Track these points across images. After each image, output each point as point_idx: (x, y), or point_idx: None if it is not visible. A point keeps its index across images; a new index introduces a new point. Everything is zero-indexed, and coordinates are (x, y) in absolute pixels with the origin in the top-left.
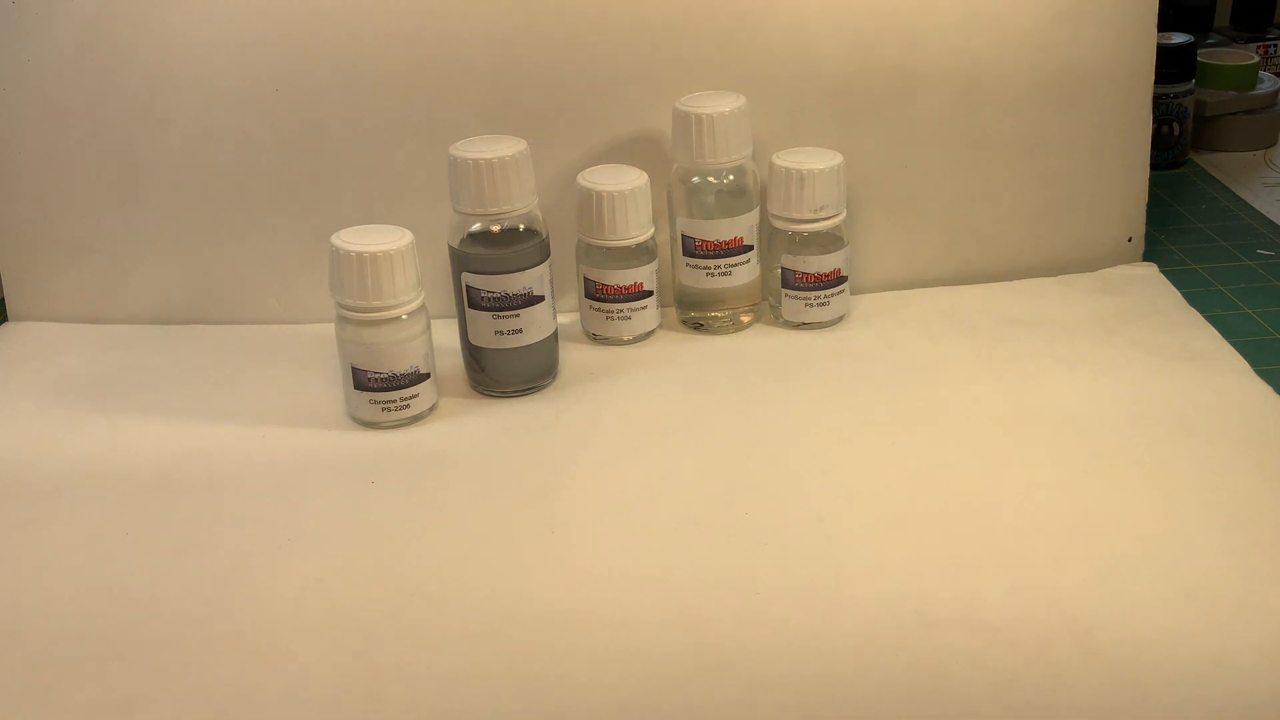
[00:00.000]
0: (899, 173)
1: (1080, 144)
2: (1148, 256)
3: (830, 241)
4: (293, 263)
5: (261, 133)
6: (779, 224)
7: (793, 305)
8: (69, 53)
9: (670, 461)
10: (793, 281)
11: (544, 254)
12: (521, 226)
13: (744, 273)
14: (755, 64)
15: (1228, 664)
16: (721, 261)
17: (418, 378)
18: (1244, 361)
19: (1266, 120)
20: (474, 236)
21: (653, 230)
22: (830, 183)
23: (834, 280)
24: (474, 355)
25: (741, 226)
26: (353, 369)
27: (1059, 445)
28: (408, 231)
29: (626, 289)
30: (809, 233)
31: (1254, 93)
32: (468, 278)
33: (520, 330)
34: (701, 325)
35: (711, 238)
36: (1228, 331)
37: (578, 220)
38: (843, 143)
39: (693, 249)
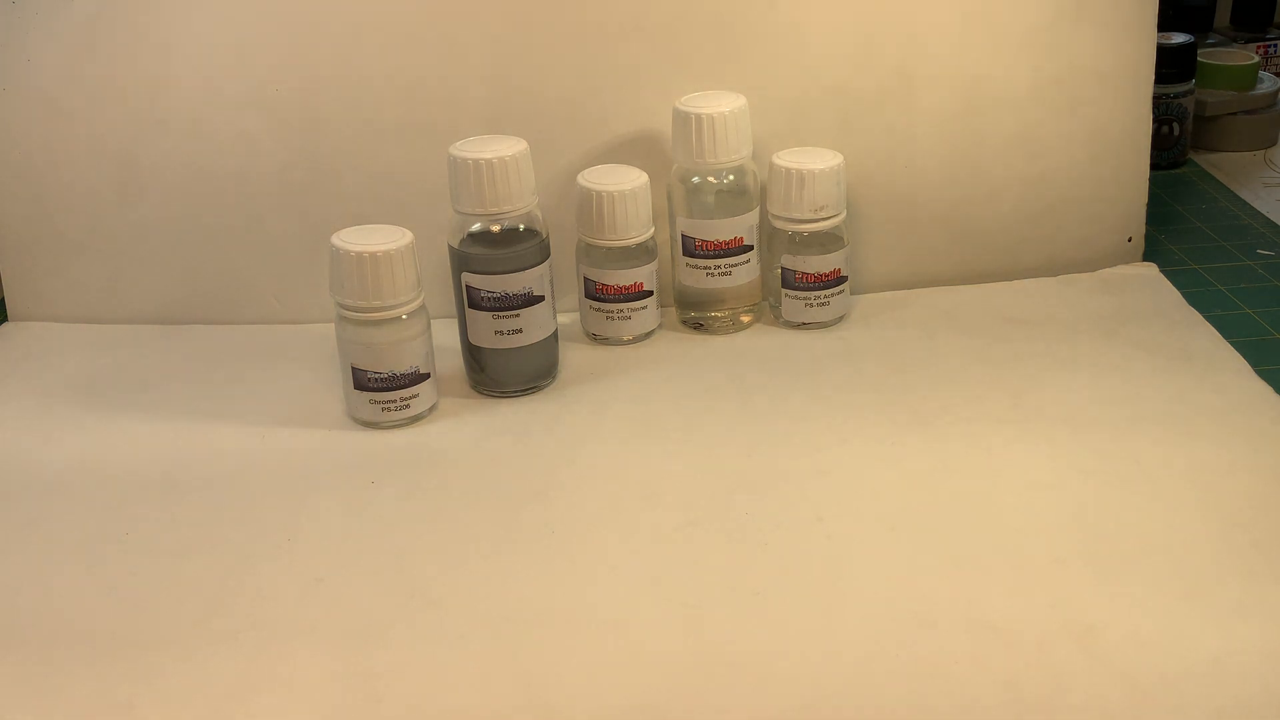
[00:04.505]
0: (899, 173)
1: (1080, 144)
2: (1148, 256)
3: (830, 241)
4: (293, 263)
5: (261, 132)
6: (779, 224)
7: (793, 305)
8: (69, 53)
9: (670, 461)
10: (793, 281)
11: (544, 254)
12: (521, 226)
13: (744, 273)
14: (755, 64)
15: (1228, 664)
16: (721, 261)
17: (418, 378)
18: (1244, 361)
19: (1266, 120)
20: (474, 236)
21: (653, 230)
22: (830, 183)
23: (834, 280)
24: (474, 355)
25: (741, 226)
26: (353, 369)
27: (1059, 445)
28: (408, 231)
29: (626, 289)
30: (809, 233)
31: (1254, 93)
32: (468, 278)
33: (520, 330)
34: (701, 325)
35: (711, 238)
36: (1227, 331)
37: (578, 220)
38: (843, 143)
39: (693, 249)
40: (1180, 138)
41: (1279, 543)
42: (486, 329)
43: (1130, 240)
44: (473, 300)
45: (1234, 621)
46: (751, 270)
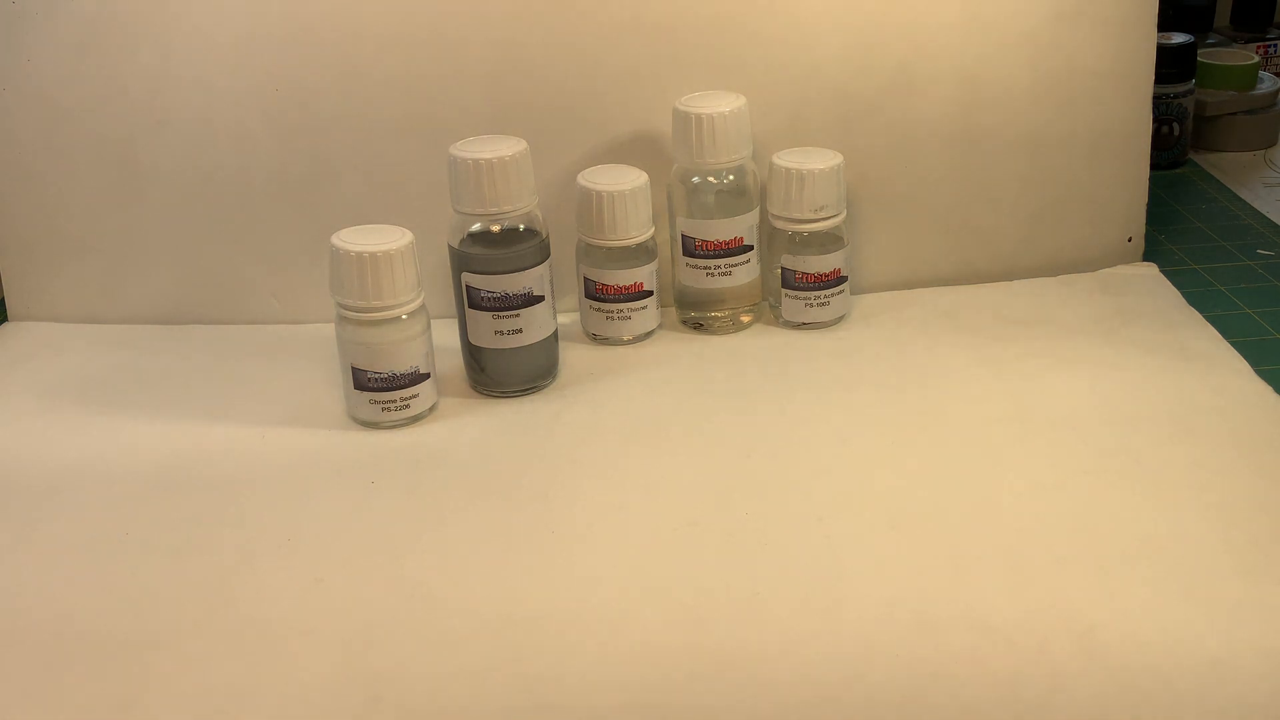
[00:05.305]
0: (899, 173)
1: (1080, 144)
2: (1148, 256)
3: (830, 241)
4: (293, 263)
5: (261, 132)
6: (779, 224)
7: (793, 305)
8: (69, 53)
9: (670, 461)
10: (793, 281)
11: (544, 254)
12: (521, 226)
13: (744, 273)
14: (755, 64)
15: (1228, 664)
16: (721, 261)
17: (418, 378)
18: (1244, 361)
19: (1266, 120)
20: (474, 236)
21: (653, 230)
22: (830, 183)
23: (834, 280)
24: (474, 355)
25: (741, 226)
26: (353, 369)
27: (1059, 445)
28: (408, 231)
29: (626, 289)
30: (809, 233)
31: (1254, 93)
32: (468, 278)
33: (520, 330)
34: (701, 325)
35: (711, 238)
36: (1228, 331)
37: (578, 220)
38: (843, 143)
39: (693, 249)
40: (1180, 138)
41: (1279, 543)
42: (486, 329)
43: (1130, 240)
44: (473, 300)
45: (1234, 621)
46: (751, 270)
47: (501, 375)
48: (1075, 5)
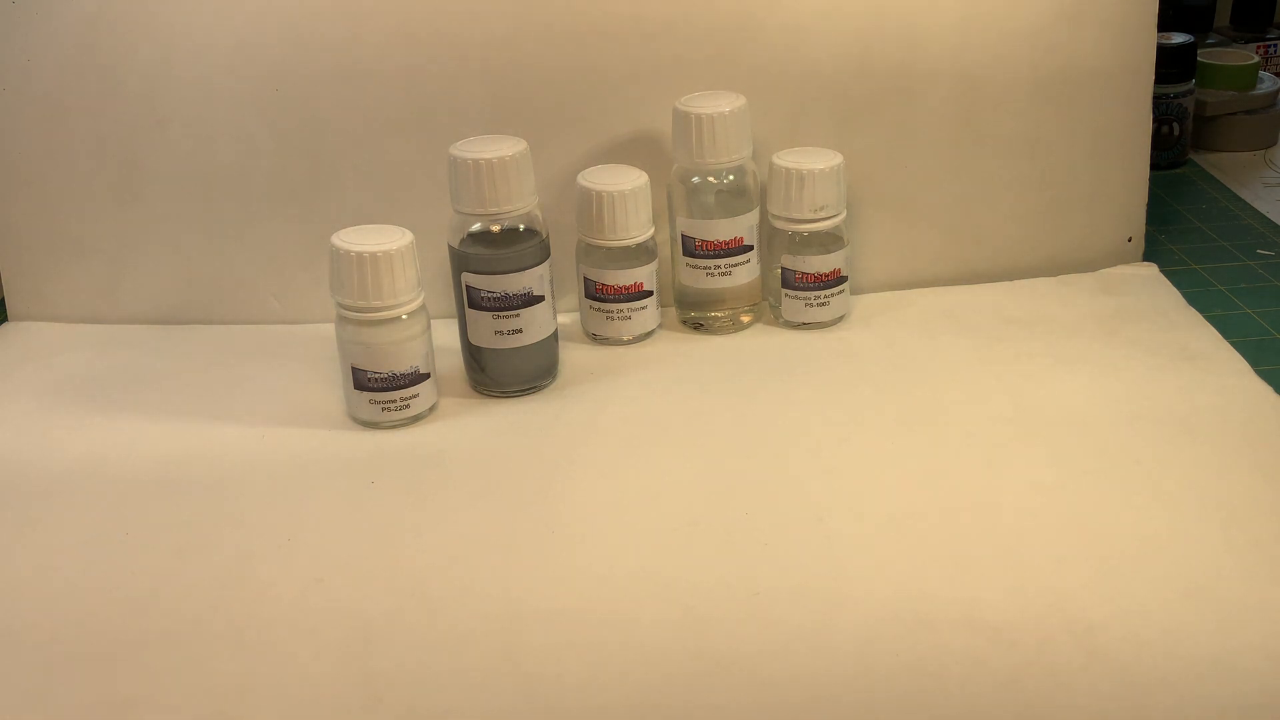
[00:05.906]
0: (899, 173)
1: (1080, 144)
2: (1148, 256)
3: (830, 241)
4: (293, 263)
5: (261, 133)
6: (779, 224)
7: (793, 305)
8: (69, 53)
9: (670, 461)
10: (793, 281)
11: (544, 254)
12: (521, 226)
13: (744, 273)
14: (755, 64)
15: (1228, 664)
16: (721, 261)
17: (418, 378)
18: (1244, 361)
19: (1266, 120)
20: (474, 236)
21: (653, 230)
22: (830, 183)
23: (834, 280)
24: (474, 355)
25: (741, 226)
26: (353, 369)
27: (1059, 445)
28: (408, 231)
29: (626, 289)
30: (809, 233)
31: (1254, 93)
32: (468, 278)
33: (520, 330)
34: (701, 325)
35: (711, 238)
36: (1228, 331)
37: (578, 220)
38: (843, 143)
39: (693, 249)
40: (1180, 138)
41: (1279, 543)
42: (486, 329)
43: (1130, 240)
44: (473, 300)
45: (1234, 621)
46: (751, 270)
47: (501, 375)
48: (1075, 5)
